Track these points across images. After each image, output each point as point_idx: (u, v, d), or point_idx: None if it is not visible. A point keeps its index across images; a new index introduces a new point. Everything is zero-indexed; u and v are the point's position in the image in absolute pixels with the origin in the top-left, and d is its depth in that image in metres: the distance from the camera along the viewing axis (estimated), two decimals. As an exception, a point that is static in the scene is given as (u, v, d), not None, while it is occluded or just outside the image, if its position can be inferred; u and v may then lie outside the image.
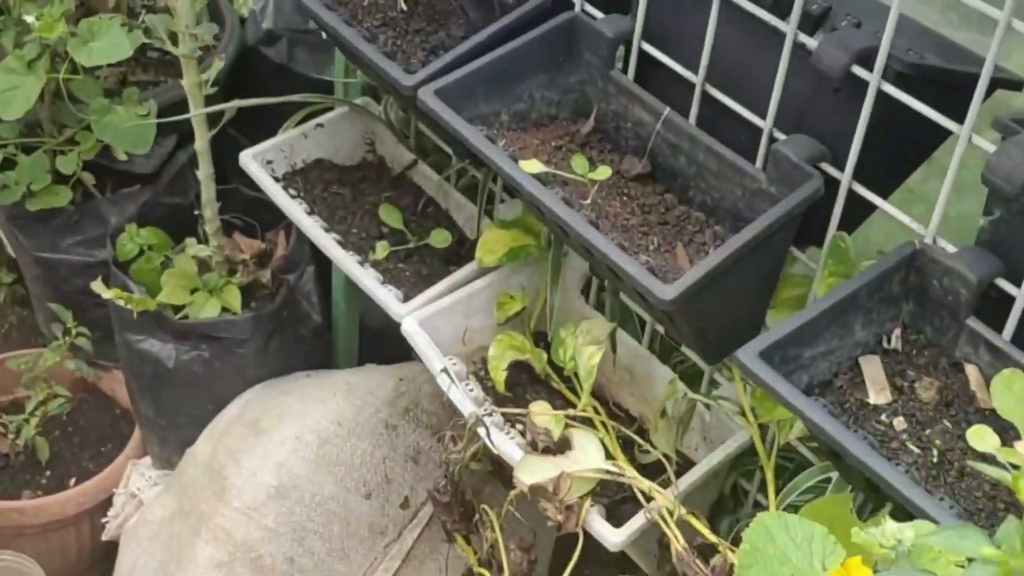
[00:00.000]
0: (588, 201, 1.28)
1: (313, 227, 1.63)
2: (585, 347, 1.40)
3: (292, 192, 1.70)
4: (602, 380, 1.53)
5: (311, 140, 1.76)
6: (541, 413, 1.37)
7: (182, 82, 1.73)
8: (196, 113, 1.77)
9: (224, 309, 1.96)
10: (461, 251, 1.66)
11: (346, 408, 1.73)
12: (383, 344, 2.10)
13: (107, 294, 1.84)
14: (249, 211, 2.15)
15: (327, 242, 1.61)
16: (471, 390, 1.42)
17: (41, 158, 2.06)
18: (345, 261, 1.59)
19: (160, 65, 2.22)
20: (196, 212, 1.98)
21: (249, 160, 1.71)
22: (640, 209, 1.30)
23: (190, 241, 2.05)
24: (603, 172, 1.27)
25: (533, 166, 1.26)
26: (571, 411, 1.39)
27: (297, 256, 2.07)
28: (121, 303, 1.85)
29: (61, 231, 2.12)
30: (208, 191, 1.92)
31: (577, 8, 1.41)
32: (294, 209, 1.66)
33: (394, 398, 1.76)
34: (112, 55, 1.82)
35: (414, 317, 1.49)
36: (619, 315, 1.51)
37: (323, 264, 1.89)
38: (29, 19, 1.83)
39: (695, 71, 1.32)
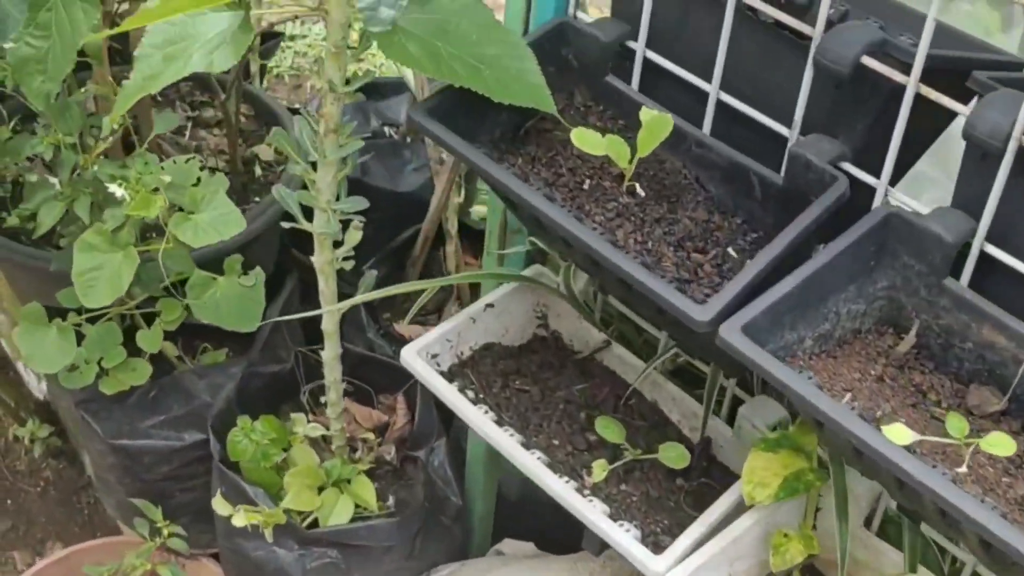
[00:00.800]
0: (964, 470, 1.00)
1: (512, 446, 1.33)
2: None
3: (470, 395, 1.40)
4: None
5: (480, 324, 1.46)
6: None
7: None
8: (327, 309, 1.47)
9: (357, 505, 1.66)
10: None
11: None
12: (520, 516, 1.83)
13: (239, 519, 1.52)
14: (358, 371, 1.85)
15: (535, 467, 1.31)
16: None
17: (112, 329, 1.74)
18: (565, 493, 1.29)
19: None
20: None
21: (413, 358, 1.40)
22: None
23: (298, 418, 1.75)
24: (999, 444, 0.98)
25: (901, 434, 0.97)
26: None
27: (426, 427, 1.77)
28: (254, 522, 1.54)
29: (138, 410, 1.80)
30: (333, 372, 1.61)
31: (888, 199, 1.13)
32: (482, 422, 1.36)
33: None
34: (225, 230, 1.50)
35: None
36: (919, 550, 1.24)
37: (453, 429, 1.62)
38: (116, 192, 1.50)
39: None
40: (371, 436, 1.76)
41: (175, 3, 0.97)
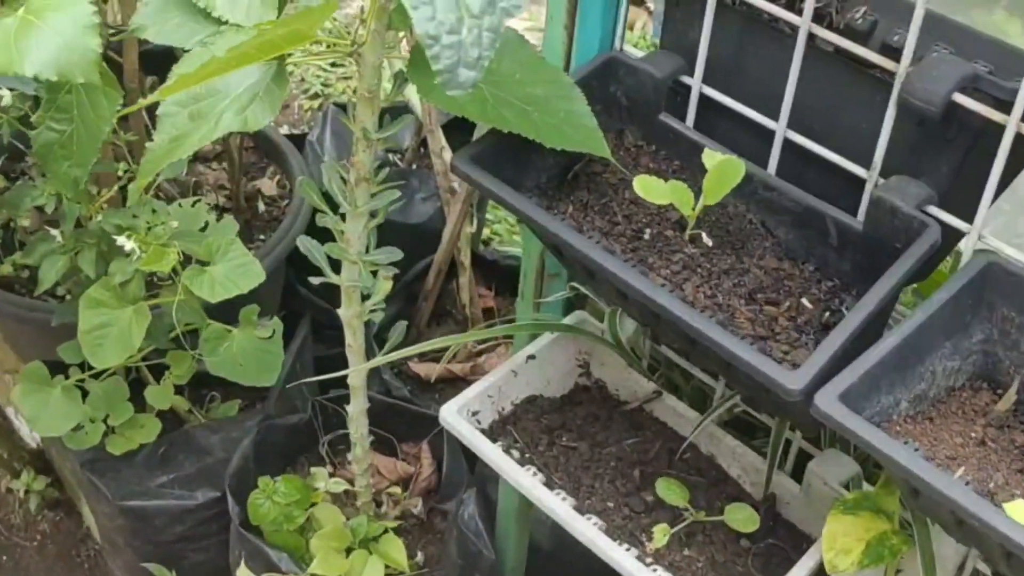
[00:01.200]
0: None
1: (566, 512, 1.24)
2: None
3: (516, 455, 1.31)
4: None
5: (521, 377, 1.37)
6: None
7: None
8: (356, 369, 1.37)
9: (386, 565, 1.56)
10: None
11: None
12: (551, 567, 1.74)
13: (268, 596, 1.42)
14: (378, 419, 1.75)
15: (593, 535, 1.22)
16: None
17: (118, 385, 1.64)
18: (627, 563, 1.20)
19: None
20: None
21: (454, 418, 1.31)
22: None
23: (319, 473, 1.65)
24: None
25: (1022, 512, 0.89)
26: None
27: (454, 477, 1.68)
28: (280, 597, 1.44)
29: (148, 468, 1.70)
30: (359, 427, 1.52)
31: (980, 242, 1.05)
32: (532, 485, 1.26)
33: None
34: (243, 283, 1.41)
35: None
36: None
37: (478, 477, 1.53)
38: (126, 245, 1.39)
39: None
40: (396, 490, 1.67)
41: (213, 66, 0.87)
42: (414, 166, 2.19)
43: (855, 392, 0.96)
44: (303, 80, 3.15)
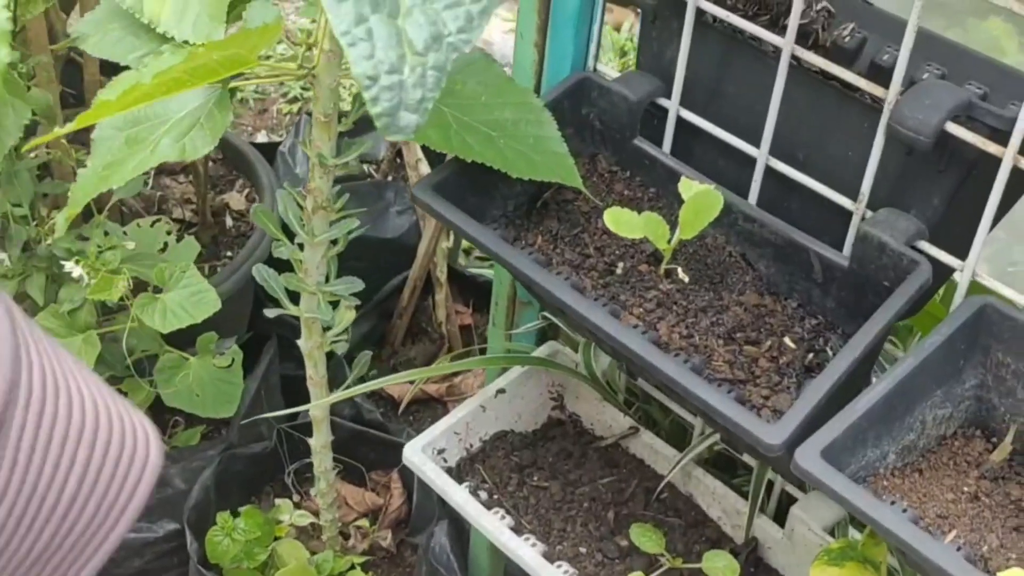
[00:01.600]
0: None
1: (534, 559, 1.17)
2: None
3: (484, 496, 1.24)
4: None
5: (490, 412, 1.30)
6: None
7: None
8: (318, 403, 1.30)
9: (352, 604, 1.49)
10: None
11: None
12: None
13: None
14: (347, 447, 1.68)
15: (563, 584, 1.15)
16: None
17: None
18: (599, 616, 1.13)
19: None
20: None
21: (418, 457, 1.24)
22: None
23: (284, 505, 1.58)
24: None
25: (1020, 582, 0.82)
26: None
27: (426, 507, 1.61)
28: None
29: (105, 499, 1.61)
30: (323, 461, 1.45)
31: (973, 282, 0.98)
32: (499, 530, 1.19)
33: None
34: (197, 312, 1.33)
35: None
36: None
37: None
38: (75, 271, 1.32)
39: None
40: (365, 523, 1.60)
41: (138, 93, 0.80)
42: (389, 178, 2.12)
43: (839, 446, 0.89)
44: (282, 83, 3.07)
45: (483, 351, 2.01)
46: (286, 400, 1.79)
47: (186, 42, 1.08)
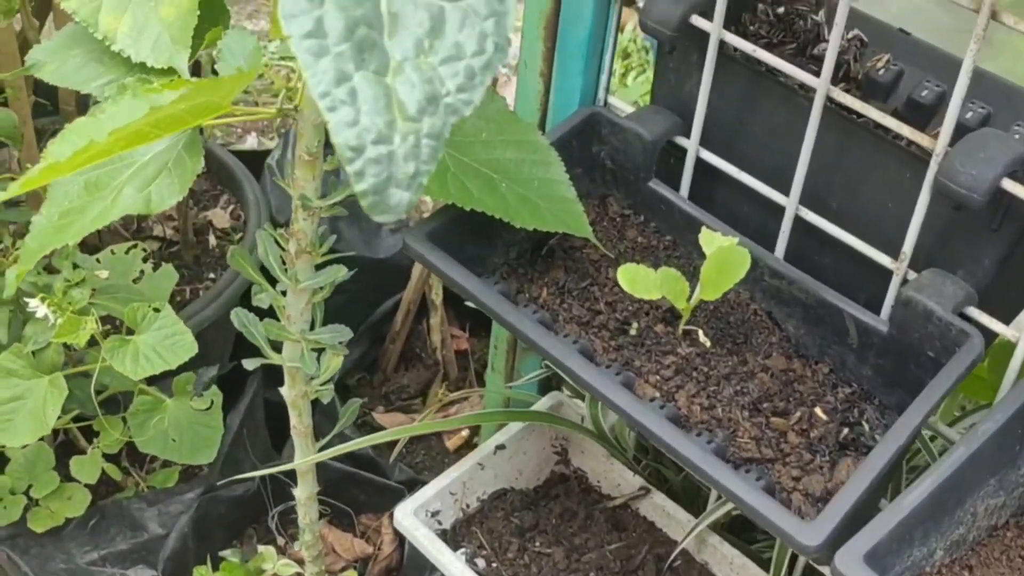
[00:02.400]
0: None
1: (536, 638, 1.07)
2: None
3: (481, 564, 1.14)
4: None
5: (489, 470, 1.20)
6: None
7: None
8: (303, 461, 1.20)
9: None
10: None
11: None
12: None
13: None
14: (337, 491, 1.58)
15: (567, 668, 1.05)
16: None
17: (43, 451, 1.46)
18: None
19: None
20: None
21: (410, 520, 1.14)
22: None
23: (267, 552, 1.48)
24: None
25: None
26: None
27: (419, 559, 1.50)
28: None
29: (76, 543, 1.52)
30: (308, 513, 1.34)
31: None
32: (498, 605, 1.10)
33: None
34: (171, 357, 1.23)
35: None
36: None
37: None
38: (39, 311, 1.22)
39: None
40: (353, 573, 1.49)
41: (93, 151, 0.69)
42: (383, 193, 2.01)
43: (883, 549, 0.79)
44: (273, 84, 2.95)
45: (480, 377, 1.91)
46: (272, 431, 1.69)
47: (146, 65, 0.97)
